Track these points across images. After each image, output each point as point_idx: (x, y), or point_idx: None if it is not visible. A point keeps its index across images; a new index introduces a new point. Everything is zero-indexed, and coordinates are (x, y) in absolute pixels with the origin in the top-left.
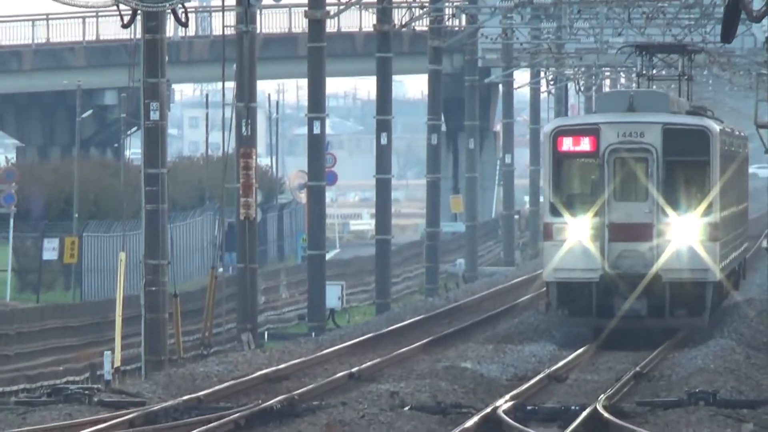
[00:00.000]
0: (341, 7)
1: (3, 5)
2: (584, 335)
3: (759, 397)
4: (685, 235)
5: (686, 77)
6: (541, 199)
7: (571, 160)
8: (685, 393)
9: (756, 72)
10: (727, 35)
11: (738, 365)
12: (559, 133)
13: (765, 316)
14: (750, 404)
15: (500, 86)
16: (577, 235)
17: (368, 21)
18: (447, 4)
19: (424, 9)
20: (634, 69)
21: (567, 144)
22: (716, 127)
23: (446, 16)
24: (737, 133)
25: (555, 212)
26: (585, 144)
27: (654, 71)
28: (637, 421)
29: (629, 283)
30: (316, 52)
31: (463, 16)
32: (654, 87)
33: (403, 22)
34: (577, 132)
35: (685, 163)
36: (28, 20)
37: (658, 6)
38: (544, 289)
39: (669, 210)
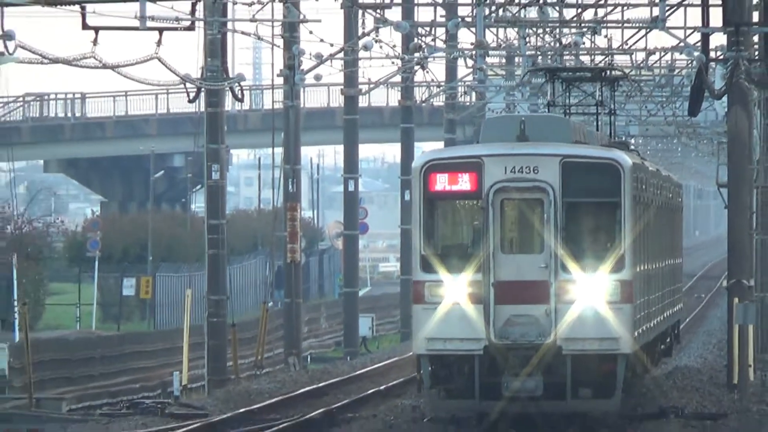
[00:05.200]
0: (371, 86)
1: (89, 84)
2: None
3: (719, 411)
4: (589, 295)
5: (608, 109)
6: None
7: (447, 203)
8: (657, 408)
9: (717, 140)
10: (693, 110)
11: (702, 384)
12: (431, 168)
13: (724, 344)
14: (712, 416)
15: None
16: (455, 297)
17: (394, 97)
18: (459, 83)
19: (441, 87)
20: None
21: (441, 182)
22: (629, 161)
23: (459, 94)
24: (664, 173)
25: (427, 267)
26: (464, 182)
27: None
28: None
29: (520, 356)
30: (351, 123)
31: (473, 93)
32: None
33: (423, 98)
34: (453, 167)
35: (589, 206)
36: (109, 96)
37: (635, 86)
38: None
39: (570, 264)
